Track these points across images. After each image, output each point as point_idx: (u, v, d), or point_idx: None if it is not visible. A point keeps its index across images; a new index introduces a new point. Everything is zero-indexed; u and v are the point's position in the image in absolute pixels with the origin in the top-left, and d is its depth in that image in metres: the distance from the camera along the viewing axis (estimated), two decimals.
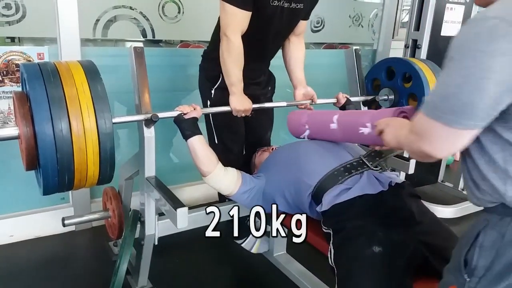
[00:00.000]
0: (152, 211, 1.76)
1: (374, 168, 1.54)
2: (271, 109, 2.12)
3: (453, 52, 0.79)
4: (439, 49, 2.78)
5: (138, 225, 1.81)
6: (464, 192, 3.08)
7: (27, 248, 2.27)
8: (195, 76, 2.03)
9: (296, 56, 1.96)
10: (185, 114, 1.61)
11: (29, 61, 2.17)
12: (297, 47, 1.96)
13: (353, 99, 2.10)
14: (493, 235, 0.86)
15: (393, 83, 2.40)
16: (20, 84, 1.46)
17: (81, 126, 1.19)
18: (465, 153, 0.91)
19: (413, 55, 2.81)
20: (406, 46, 2.84)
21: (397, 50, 3.16)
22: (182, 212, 1.47)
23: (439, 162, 3.29)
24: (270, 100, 2.08)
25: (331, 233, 1.42)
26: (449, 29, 2.81)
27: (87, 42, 2.29)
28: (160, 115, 1.57)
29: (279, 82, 2.14)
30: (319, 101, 1.96)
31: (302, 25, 1.91)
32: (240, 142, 2.03)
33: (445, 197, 3.06)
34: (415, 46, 2.79)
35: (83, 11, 2.13)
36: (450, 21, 2.80)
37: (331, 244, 1.41)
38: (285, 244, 2.12)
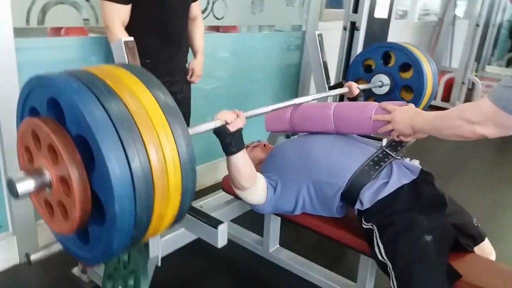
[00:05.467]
0: None
1: (398, 158, 1.57)
2: (187, 101, 2.23)
3: None
4: (374, 31, 2.92)
5: None
6: None
7: None
8: None
9: (194, 33, 2.16)
10: (228, 123, 1.33)
11: None
12: (194, 26, 2.15)
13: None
14: None
15: (389, 70, 2.29)
16: (19, 115, 1.03)
17: (161, 155, 0.87)
18: None
19: (351, 37, 2.89)
20: (344, 28, 2.91)
21: (325, 31, 3.22)
22: (223, 229, 1.32)
23: None
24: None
25: (376, 229, 1.41)
26: (380, 11, 2.96)
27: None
28: (197, 129, 1.23)
29: None
30: (329, 93, 1.87)
31: (195, 8, 2.11)
32: None
33: None
34: (353, 28, 2.88)
35: None
36: (381, 3, 2.95)
37: (378, 240, 1.40)
38: (278, 238, 2.06)
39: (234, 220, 2.08)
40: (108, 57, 2.06)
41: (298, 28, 3.43)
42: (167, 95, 0.94)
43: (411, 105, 1.50)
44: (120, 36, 1.68)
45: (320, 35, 2.30)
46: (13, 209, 1.95)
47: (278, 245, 2.06)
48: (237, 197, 1.91)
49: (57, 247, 1.72)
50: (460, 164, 3.78)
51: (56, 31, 2.11)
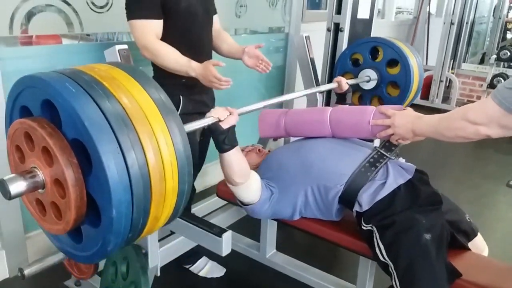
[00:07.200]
0: (155, 240, 1.52)
1: (392, 158, 1.59)
2: None
3: None
4: (357, 31, 2.95)
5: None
6: None
7: None
8: None
9: (222, 41, 1.97)
10: (221, 121, 1.35)
11: None
12: (221, 37, 1.98)
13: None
14: None
15: (377, 65, 2.31)
16: (9, 111, 1.02)
17: (159, 159, 0.87)
18: None
19: (335, 38, 2.92)
20: (328, 30, 2.94)
21: (306, 33, 3.23)
22: (227, 237, 1.31)
23: None
24: None
25: (375, 230, 1.43)
26: (363, 12, 2.99)
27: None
28: (190, 126, 1.24)
29: None
30: (318, 88, 1.87)
31: (216, 21, 1.95)
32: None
33: None
34: (337, 30, 2.90)
35: None
36: (363, 4, 2.98)
37: (378, 241, 1.42)
38: (275, 243, 2.06)
39: (229, 226, 2.07)
40: None
41: (278, 30, 3.43)
42: (164, 95, 0.96)
43: (410, 109, 1.52)
44: (163, 49, 1.61)
45: (308, 38, 2.31)
46: (1, 224, 1.89)
47: (275, 250, 2.06)
48: (232, 203, 1.90)
49: (50, 260, 1.69)
50: (442, 160, 3.85)
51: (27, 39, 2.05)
